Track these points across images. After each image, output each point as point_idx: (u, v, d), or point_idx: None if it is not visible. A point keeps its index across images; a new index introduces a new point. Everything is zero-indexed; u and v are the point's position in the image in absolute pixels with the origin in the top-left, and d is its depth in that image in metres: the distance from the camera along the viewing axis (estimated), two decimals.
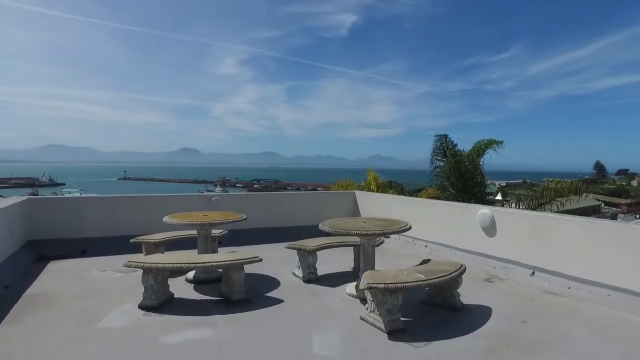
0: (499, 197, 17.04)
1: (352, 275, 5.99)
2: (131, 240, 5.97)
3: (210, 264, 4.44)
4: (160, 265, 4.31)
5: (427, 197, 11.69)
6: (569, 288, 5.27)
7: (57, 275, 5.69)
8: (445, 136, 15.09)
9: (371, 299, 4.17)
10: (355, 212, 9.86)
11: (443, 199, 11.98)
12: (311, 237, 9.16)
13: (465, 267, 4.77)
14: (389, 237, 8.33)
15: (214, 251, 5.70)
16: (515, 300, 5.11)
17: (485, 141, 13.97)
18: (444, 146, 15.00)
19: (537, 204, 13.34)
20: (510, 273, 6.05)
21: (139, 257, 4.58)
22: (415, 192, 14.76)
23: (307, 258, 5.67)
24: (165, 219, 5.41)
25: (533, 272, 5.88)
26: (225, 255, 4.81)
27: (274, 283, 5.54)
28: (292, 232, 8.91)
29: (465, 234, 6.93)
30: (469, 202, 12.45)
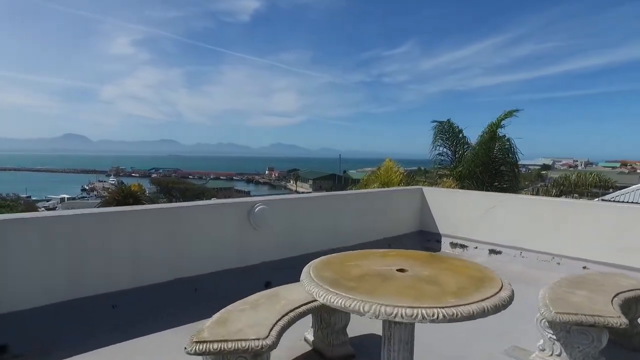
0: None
1: None
2: (190, 352, 2.20)
3: None
4: None
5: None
6: None
7: None
8: (449, 121, 12.90)
9: None
10: (424, 217, 6.87)
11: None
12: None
13: None
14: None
15: None
16: None
17: (502, 115, 11.70)
18: (448, 131, 12.75)
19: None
20: None
21: None
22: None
23: (601, 338, 2.59)
24: (310, 284, 1.91)
25: None
26: None
27: None
28: None
29: None
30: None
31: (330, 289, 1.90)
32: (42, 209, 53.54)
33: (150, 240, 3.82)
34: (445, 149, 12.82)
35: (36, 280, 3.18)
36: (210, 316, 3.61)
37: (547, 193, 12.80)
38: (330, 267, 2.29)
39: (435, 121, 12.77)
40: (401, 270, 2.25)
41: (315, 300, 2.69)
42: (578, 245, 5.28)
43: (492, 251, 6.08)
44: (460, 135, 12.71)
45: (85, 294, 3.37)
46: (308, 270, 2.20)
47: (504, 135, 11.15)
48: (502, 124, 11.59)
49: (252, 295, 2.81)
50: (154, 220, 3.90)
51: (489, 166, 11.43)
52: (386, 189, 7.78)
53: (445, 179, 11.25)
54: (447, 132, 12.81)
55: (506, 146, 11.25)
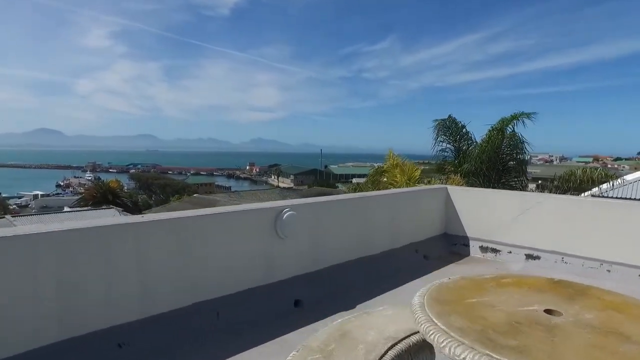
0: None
1: None
2: None
3: None
4: None
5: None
6: None
7: None
8: (451, 116, 12.49)
9: None
10: (449, 218, 6.29)
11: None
12: (408, 265, 5.46)
13: None
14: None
15: None
16: None
17: (509, 116, 11.33)
18: (451, 127, 12.33)
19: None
20: None
21: None
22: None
23: None
24: (453, 344, 1.27)
25: None
26: None
27: None
28: (387, 264, 5.03)
29: None
30: None
31: (495, 356, 1.25)
32: (14, 206, 51.22)
33: (160, 258, 3.08)
34: (448, 145, 12.44)
35: (21, 320, 2.42)
36: (240, 350, 2.92)
37: (524, 189, 12.56)
38: (452, 308, 1.63)
39: (437, 120, 12.37)
40: (548, 311, 1.62)
41: (402, 341, 2.05)
42: (632, 250, 4.77)
43: (529, 256, 5.54)
44: (464, 130, 12.31)
45: (83, 331, 2.61)
46: (427, 316, 1.54)
47: (514, 132, 10.75)
48: (513, 122, 11.21)
49: (315, 337, 2.14)
50: (164, 233, 3.15)
51: (496, 163, 11.02)
52: (412, 188, 7.17)
53: (452, 176, 10.77)
54: (450, 128, 12.42)
55: (512, 142, 10.86)
